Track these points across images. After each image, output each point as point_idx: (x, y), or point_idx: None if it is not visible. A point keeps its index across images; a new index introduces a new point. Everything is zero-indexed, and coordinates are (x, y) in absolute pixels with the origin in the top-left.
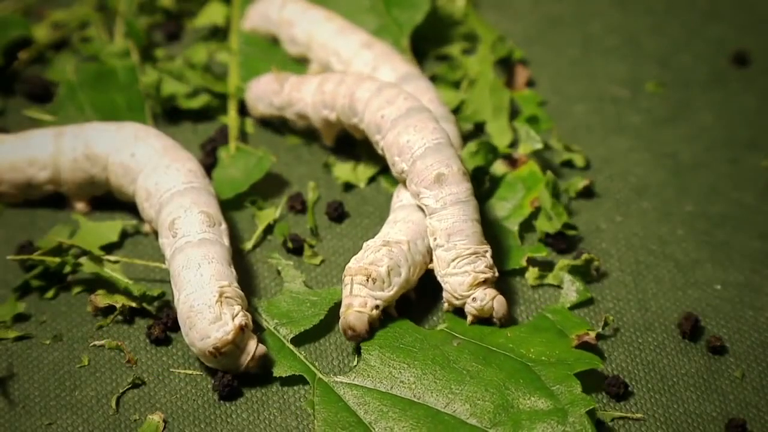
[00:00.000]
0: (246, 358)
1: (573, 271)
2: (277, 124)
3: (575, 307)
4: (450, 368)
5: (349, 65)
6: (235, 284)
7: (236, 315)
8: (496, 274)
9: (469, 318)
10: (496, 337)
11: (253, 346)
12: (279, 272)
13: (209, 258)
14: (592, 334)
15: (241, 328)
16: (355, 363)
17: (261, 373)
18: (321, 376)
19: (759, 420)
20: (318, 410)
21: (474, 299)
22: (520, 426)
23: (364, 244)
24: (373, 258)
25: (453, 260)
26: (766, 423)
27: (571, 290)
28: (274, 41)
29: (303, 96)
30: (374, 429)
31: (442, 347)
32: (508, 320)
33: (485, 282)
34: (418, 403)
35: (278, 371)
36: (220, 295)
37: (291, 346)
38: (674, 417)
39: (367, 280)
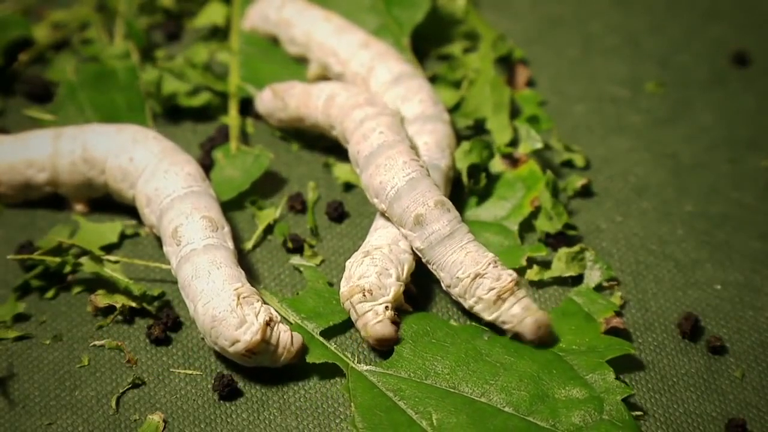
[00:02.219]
0: (283, 352)
1: (570, 259)
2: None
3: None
4: (483, 361)
5: (346, 65)
6: (247, 284)
7: (259, 312)
8: (508, 279)
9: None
10: None
11: (287, 338)
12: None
13: (217, 263)
14: (620, 318)
15: (267, 324)
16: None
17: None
18: (354, 365)
19: (759, 420)
20: (354, 395)
21: (503, 323)
22: (557, 414)
23: (347, 264)
24: (360, 272)
25: (464, 294)
26: (766, 423)
27: (595, 270)
28: (274, 41)
29: (311, 112)
30: (411, 413)
31: (473, 341)
32: (547, 339)
33: (500, 298)
34: (453, 393)
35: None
36: (238, 297)
37: (321, 338)
38: (674, 417)
39: (364, 295)
